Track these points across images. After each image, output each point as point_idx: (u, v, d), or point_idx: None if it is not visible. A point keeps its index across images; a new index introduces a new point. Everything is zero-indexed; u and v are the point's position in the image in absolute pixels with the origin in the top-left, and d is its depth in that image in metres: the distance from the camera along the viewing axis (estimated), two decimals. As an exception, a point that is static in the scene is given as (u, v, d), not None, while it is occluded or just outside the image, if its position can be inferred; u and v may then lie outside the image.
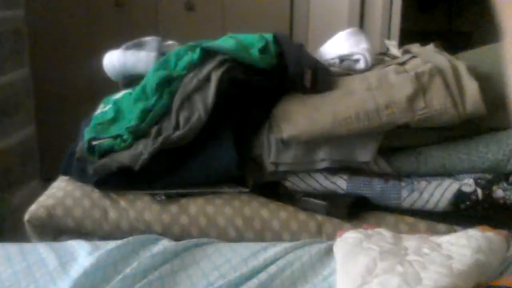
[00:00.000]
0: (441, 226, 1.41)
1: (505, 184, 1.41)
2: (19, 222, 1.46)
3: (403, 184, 1.45)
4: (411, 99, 1.44)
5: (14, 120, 2.48)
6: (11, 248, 1.21)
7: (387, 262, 0.99)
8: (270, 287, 1.09)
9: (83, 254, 1.16)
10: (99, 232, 1.43)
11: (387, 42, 1.88)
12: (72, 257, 1.16)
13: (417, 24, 2.76)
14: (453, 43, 1.75)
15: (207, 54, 1.52)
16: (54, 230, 1.44)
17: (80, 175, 1.50)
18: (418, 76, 1.48)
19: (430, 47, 1.69)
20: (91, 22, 2.84)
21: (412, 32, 2.39)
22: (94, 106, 1.68)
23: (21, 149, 2.52)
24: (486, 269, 1.01)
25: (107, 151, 1.48)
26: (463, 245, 1.06)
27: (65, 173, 1.55)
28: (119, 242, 1.20)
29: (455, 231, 1.23)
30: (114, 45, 1.75)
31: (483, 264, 1.01)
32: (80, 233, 1.42)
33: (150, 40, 1.72)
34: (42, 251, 1.18)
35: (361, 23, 2.44)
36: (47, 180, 1.61)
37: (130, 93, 1.61)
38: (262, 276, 1.11)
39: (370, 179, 1.46)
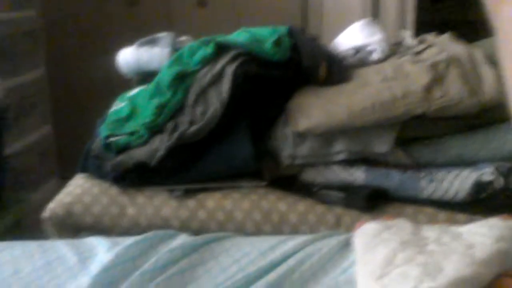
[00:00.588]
0: (461, 216, 1.40)
1: (525, 172, 1.39)
2: (38, 221, 1.47)
3: (421, 174, 1.43)
4: (428, 89, 1.42)
5: (31, 120, 2.49)
6: (31, 245, 1.21)
7: (407, 252, 0.99)
8: (289, 280, 1.09)
9: (102, 250, 1.16)
10: (117, 229, 1.44)
11: (402, 32, 1.86)
12: (91, 253, 1.17)
13: (431, 14, 2.75)
14: (468, 32, 1.73)
15: (221, 48, 1.52)
16: (72, 227, 1.44)
17: (97, 172, 1.51)
18: (434, 65, 1.47)
19: (446, 36, 1.68)
20: (105, 21, 2.85)
21: (427, 23, 2.37)
22: (110, 104, 1.68)
23: (39, 148, 2.54)
24: (508, 257, 1.00)
25: (124, 148, 1.48)
26: (484, 234, 1.05)
27: (83, 170, 1.55)
28: (137, 237, 1.20)
29: (475, 220, 1.21)
30: (128, 42, 1.75)
31: (505, 253, 1.00)
32: (98, 230, 1.42)
33: (164, 36, 1.72)
34: (62, 248, 1.19)
35: (375, 13, 2.43)
36: (65, 178, 1.61)
37: (145, 90, 1.61)
38: (281, 269, 1.11)
39: (388, 170, 1.45)
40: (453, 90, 1.42)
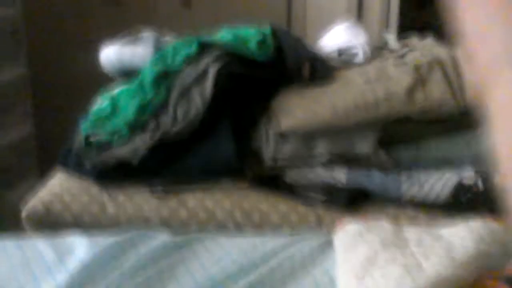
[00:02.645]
0: (442, 218, 1.40)
1: (506, 175, 1.40)
2: (18, 220, 1.45)
3: (403, 176, 1.44)
4: (410, 91, 1.43)
5: (12, 118, 2.47)
6: (8, 242, 1.20)
7: (388, 252, 0.99)
8: (270, 279, 1.08)
9: (81, 248, 1.15)
10: (97, 227, 1.42)
11: (385, 35, 1.87)
12: (70, 251, 1.15)
13: (415, 17, 2.76)
14: (452, 36, 1.74)
15: (204, 48, 1.51)
16: (52, 225, 1.43)
17: (78, 170, 1.49)
18: (417, 68, 1.47)
19: (429, 39, 1.68)
20: (88, 19, 2.83)
21: (411, 26, 2.38)
22: (91, 103, 1.67)
23: (19, 146, 2.51)
24: (488, 259, 1.00)
25: (105, 146, 1.47)
26: (465, 236, 1.06)
27: (63, 168, 1.54)
28: (117, 236, 1.19)
29: (455, 223, 1.22)
30: (111, 42, 1.73)
31: (485, 254, 1.00)
32: (78, 228, 1.41)
33: (147, 35, 1.71)
34: (39, 245, 1.17)
35: (359, 16, 2.43)
36: (45, 177, 1.60)
37: (127, 88, 1.60)
38: (263, 268, 1.10)
39: (369, 171, 1.45)
40: (436, 92, 1.43)
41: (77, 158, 1.50)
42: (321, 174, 1.46)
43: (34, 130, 2.63)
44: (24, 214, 1.42)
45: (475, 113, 1.42)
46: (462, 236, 1.06)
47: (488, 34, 0.35)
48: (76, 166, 1.51)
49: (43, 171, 2.41)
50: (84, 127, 1.53)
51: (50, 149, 1.93)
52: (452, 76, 1.46)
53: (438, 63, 1.49)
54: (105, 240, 1.17)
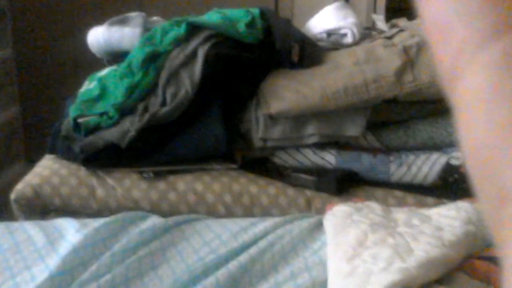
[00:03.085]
0: (430, 200, 1.42)
1: (493, 156, 1.41)
2: (5, 204, 1.44)
3: (391, 158, 1.44)
4: (399, 73, 1.43)
5: (-3, 101, 2.44)
6: (-2, 227, 1.19)
7: (378, 234, 0.99)
8: (260, 261, 1.09)
9: (71, 232, 1.15)
10: (86, 210, 1.42)
11: (374, 16, 1.86)
12: (60, 234, 1.15)
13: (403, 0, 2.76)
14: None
15: (193, 29, 1.50)
16: (41, 208, 1.42)
17: (66, 153, 1.49)
18: (406, 50, 1.47)
19: (417, 21, 1.68)
20: (75, 1, 2.79)
21: (399, 8, 2.38)
22: (79, 85, 1.65)
23: (6, 130, 2.49)
24: (476, 239, 1.01)
25: (94, 129, 1.46)
26: (453, 216, 1.07)
27: (51, 151, 1.53)
28: (107, 219, 1.19)
29: (443, 204, 1.23)
30: (98, 23, 1.72)
31: (473, 235, 1.01)
32: (67, 212, 1.40)
33: (135, 15, 1.69)
34: (29, 229, 1.17)
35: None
36: (32, 161, 1.59)
37: (116, 70, 1.58)
38: (252, 250, 1.11)
39: (358, 153, 1.46)
40: (424, 74, 1.43)
41: (65, 140, 1.49)
42: (310, 157, 1.46)
43: (21, 113, 2.61)
44: (13, 197, 1.42)
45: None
46: (450, 217, 1.07)
47: (454, 21, 0.35)
48: (65, 149, 1.50)
49: (30, 153, 2.40)
50: (72, 109, 1.52)
51: (38, 131, 1.92)
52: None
53: (426, 44, 1.49)
54: (95, 223, 1.17)
